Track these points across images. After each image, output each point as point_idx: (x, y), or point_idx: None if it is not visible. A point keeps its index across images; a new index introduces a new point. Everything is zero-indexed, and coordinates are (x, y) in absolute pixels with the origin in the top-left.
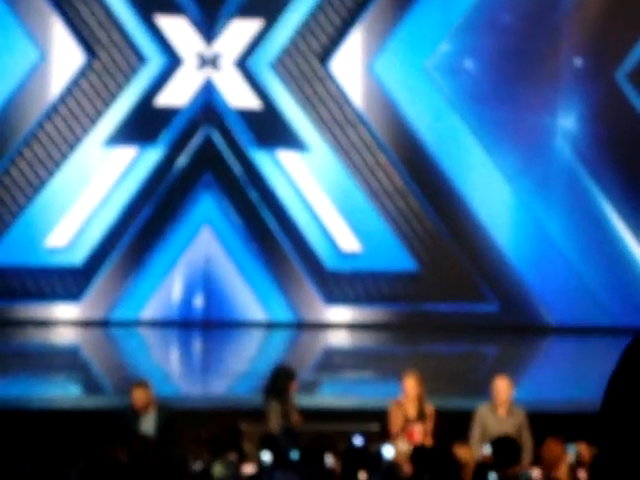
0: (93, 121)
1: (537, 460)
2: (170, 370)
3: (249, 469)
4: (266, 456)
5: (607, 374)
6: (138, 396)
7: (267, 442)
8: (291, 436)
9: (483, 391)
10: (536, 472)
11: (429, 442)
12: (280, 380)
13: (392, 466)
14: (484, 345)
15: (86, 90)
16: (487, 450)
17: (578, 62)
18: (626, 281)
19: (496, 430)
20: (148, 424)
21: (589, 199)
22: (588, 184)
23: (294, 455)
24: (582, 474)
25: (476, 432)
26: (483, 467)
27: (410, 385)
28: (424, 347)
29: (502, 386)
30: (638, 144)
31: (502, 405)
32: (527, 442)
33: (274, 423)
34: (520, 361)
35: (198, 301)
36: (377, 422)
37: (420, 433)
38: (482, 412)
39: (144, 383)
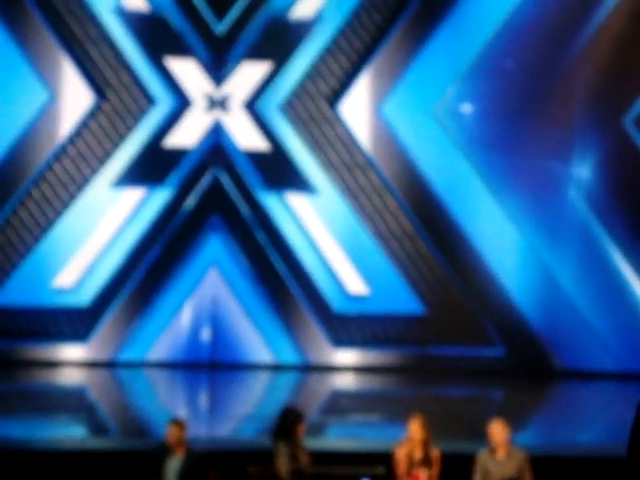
0: (101, 162)
1: None
2: (176, 412)
3: None
4: None
5: (614, 419)
6: (172, 433)
7: None
8: (300, 478)
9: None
10: None
11: None
12: (288, 422)
13: None
14: (490, 389)
15: (95, 131)
16: None
17: (586, 108)
18: (634, 326)
19: (497, 473)
20: (175, 465)
21: (597, 245)
22: (597, 230)
23: None
24: None
25: (476, 476)
26: None
27: (415, 429)
28: (430, 390)
29: (496, 430)
30: None
31: (500, 448)
32: None
33: (282, 465)
34: (526, 406)
35: (205, 343)
36: (383, 465)
37: (425, 477)
38: (482, 457)
39: (180, 422)
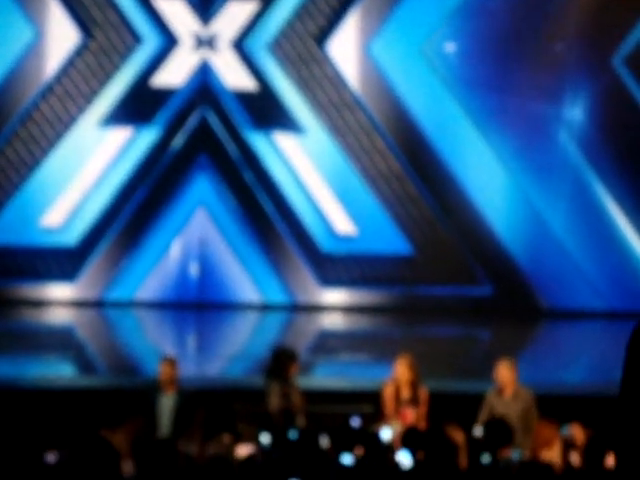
0: (88, 101)
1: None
2: (164, 351)
3: (243, 450)
4: (265, 438)
5: (601, 357)
6: (166, 370)
7: (265, 424)
8: (289, 417)
9: (477, 374)
10: (528, 452)
11: (423, 425)
12: (281, 361)
13: (389, 447)
14: (478, 328)
15: (81, 70)
16: (479, 432)
17: (574, 48)
18: (621, 266)
19: (503, 413)
20: (168, 403)
21: (585, 185)
22: (585, 170)
23: (293, 435)
24: (575, 456)
25: (483, 415)
26: (477, 448)
27: (402, 369)
28: (418, 330)
29: (504, 370)
30: (635, 130)
31: (506, 388)
32: (533, 423)
33: (274, 404)
34: (514, 344)
35: (193, 282)
36: (371, 404)
37: (413, 416)
38: (489, 397)
39: (173, 359)
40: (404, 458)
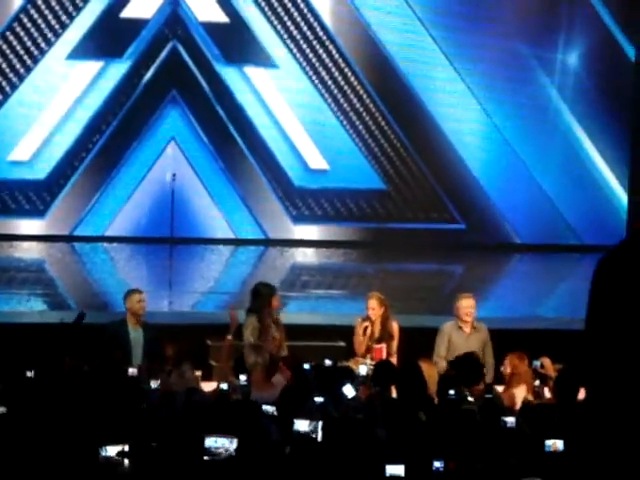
0: (56, 34)
1: (499, 377)
2: (136, 286)
3: (210, 387)
4: (242, 378)
5: (571, 291)
6: (138, 301)
7: (240, 365)
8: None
9: (449, 309)
10: (500, 389)
11: (394, 359)
12: (262, 296)
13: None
14: (450, 263)
15: (49, 1)
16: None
17: None
18: (593, 201)
19: (462, 347)
20: (138, 337)
21: (560, 121)
22: (558, 105)
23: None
24: (545, 388)
25: (442, 348)
26: (446, 383)
27: (373, 306)
28: (391, 265)
29: (465, 303)
30: (613, 69)
31: (467, 323)
32: (489, 358)
33: (246, 337)
34: (485, 279)
35: (164, 218)
36: (344, 339)
37: (383, 352)
38: (448, 329)
39: (142, 291)
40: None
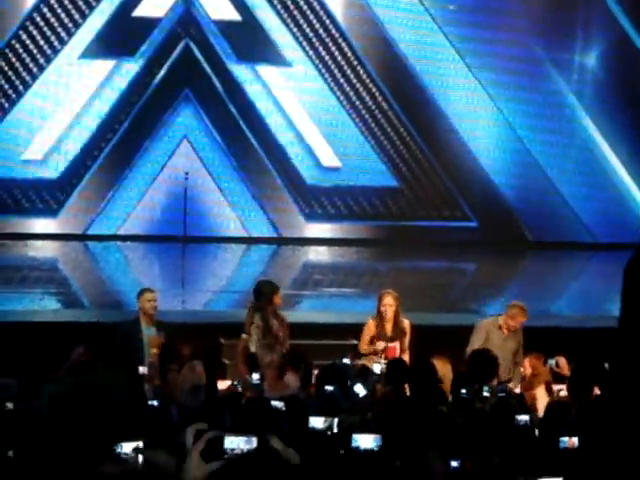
0: (69, 33)
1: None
2: (149, 285)
3: (224, 385)
4: (255, 376)
5: (584, 289)
6: (151, 300)
7: (252, 362)
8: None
9: (461, 306)
10: (511, 385)
11: (406, 357)
12: (263, 294)
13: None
14: (463, 261)
15: (62, 0)
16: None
17: None
18: (607, 199)
19: (498, 346)
20: (152, 335)
21: (572, 118)
22: (573, 103)
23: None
24: (560, 387)
25: (476, 344)
26: (460, 381)
27: (391, 303)
28: (403, 263)
29: (521, 320)
30: (630, 70)
31: (512, 330)
32: (521, 359)
33: (250, 334)
34: (498, 276)
35: (178, 216)
36: (356, 337)
37: (396, 351)
38: (486, 325)
39: (154, 291)
40: (360, 389)
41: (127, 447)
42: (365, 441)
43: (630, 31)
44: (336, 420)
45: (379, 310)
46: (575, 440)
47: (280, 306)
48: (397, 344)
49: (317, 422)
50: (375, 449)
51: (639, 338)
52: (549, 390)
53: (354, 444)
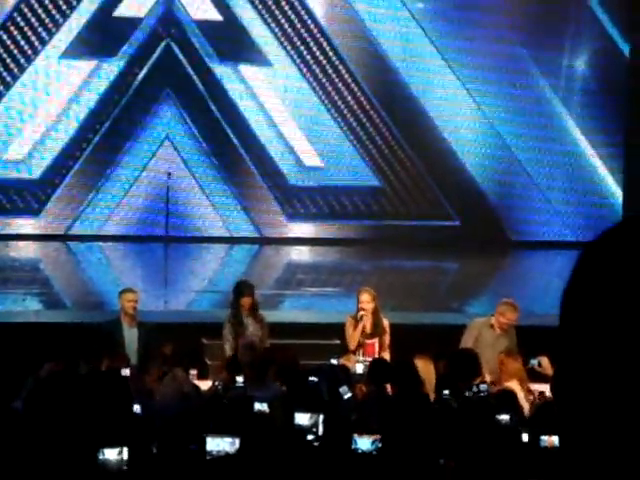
0: (50, 33)
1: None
2: (131, 285)
3: (205, 386)
4: (239, 379)
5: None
6: (132, 300)
7: (234, 365)
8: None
9: (444, 305)
10: (492, 385)
11: (387, 356)
12: (233, 293)
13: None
14: (445, 260)
15: (42, 0)
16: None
17: None
18: (588, 198)
19: (490, 344)
20: (133, 336)
21: (553, 117)
22: (556, 106)
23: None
24: (543, 387)
25: (469, 343)
26: (444, 381)
27: (368, 300)
28: (386, 262)
29: (512, 317)
30: (613, 70)
31: (503, 328)
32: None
33: (226, 335)
34: (480, 275)
35: (159, 216)
36: (339, 337)
37: (375, 348)
38: (478, 325)
39: (136, 290)
40: (344, 391)
41: (110, 453)
42: (364, 443)
43: (610, 29)
44: (322, 417)
45: (357, 308)
46: (555, 439)
47: (247, 307)
48: (375, 341)
49: (303, 418)
50: (374, 452)
51: (580, 342)
52: (526, 388)
53: (354, 445)
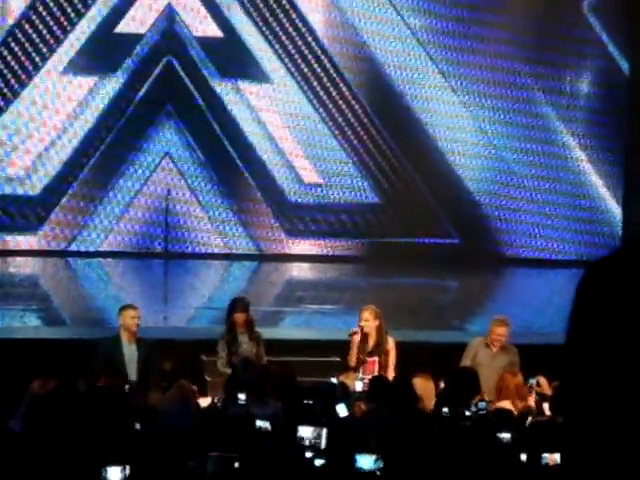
0: (51, 49)
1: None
2: (131, 301)
3: (205, 402)
4: (242, 396)
5: (566, 306)
6: (133, 317)
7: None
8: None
9: (444, 323)
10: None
11: (392, 375)
12: (227, 309)
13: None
14: (445, 278)
15: (44, 16)
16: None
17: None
18: (588, 216)
19: (486, 364)
20: (132, 353)
21: (554, 136)
22: (554, 121)
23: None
24: (543, 405)
25: (467, 362)
26: (443, 400)
27: (367, 318)
28: (385, 279)
29: (500, 332)
30: (613, 88)
31: (496, 344)
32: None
33: (220, 352)
34: (480, 293)
35: (159, 232)
36: (338, 354)
37: (376, 366)
38: (476, 344)
39: (137, 307)
40: (341, 409)
41: (113, 472)
42: (366, 461)
43: (609, 45)
44: (325, 430)
45: (359, 326)
46: (557, 457)
47: (241, 323)
48: (376, 359)
49: (305, 432)
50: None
51: (586, 360)
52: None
53: (357, 465)
